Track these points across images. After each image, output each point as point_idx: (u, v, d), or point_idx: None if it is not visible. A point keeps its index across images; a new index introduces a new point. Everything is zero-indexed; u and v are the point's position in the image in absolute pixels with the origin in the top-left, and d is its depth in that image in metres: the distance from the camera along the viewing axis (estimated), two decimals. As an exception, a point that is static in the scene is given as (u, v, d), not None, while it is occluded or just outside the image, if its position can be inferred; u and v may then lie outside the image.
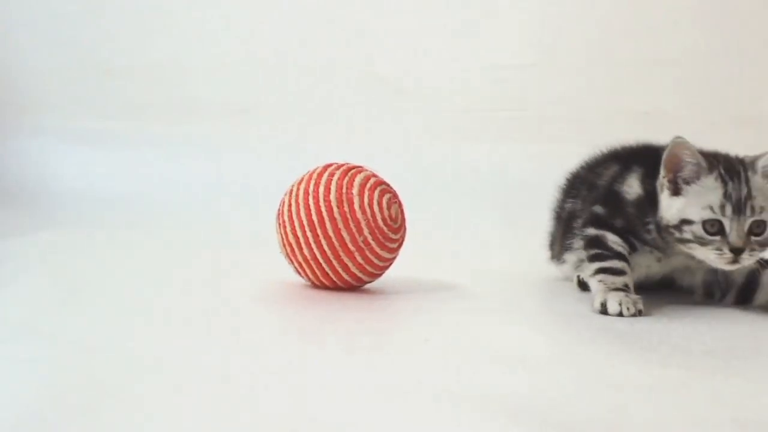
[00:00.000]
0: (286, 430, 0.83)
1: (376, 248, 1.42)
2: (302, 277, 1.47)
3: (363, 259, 1.41)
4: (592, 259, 1.39)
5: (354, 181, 1.43)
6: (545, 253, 1.62)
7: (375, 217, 1.42)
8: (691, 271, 1.44)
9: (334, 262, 1.41)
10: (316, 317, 1.33)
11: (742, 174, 1.30)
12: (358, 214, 1.41)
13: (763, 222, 1.29)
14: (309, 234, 1.41)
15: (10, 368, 1.01)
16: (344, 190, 1.42)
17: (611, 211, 1.40)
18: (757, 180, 1.30)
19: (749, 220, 1.28)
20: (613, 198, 1.41)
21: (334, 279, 1.43)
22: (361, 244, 1.40)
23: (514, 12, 2.60)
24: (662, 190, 1.34)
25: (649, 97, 2.47)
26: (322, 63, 2.69)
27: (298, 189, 1.45)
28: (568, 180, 1.58)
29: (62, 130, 2.80)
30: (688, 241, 1.31)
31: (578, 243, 1.44)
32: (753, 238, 1.28)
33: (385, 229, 1.42)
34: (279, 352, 1.12)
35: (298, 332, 1.28)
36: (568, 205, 1.54)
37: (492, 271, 1.72)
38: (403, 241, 1.48)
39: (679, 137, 1.30)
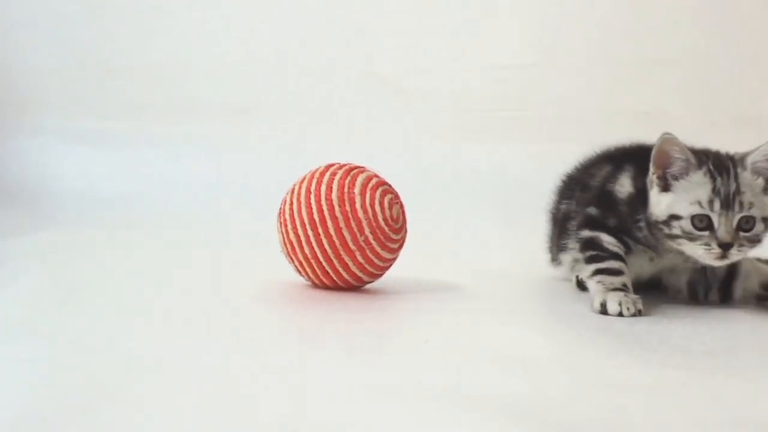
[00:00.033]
0: (286, 430, 0.83)
1: (376, 248, 1.42)
2: (302, 276, 1.47)
3: (363, 258, 1.41)
4: (589, 260, 1.39)
5: (356, 180, 1.43)
6: (546, 255, 1.62)
7: (376, 216, 1.42)
8: (678, 272, 1.44)
9: (335, 261, 1.41)
10: (316, 317, 1.33)
11: (732, 170, 1.30)
12: (360, 213, 1.41)
13: (751, 218, 1.29)
14: (310, 232, 1.41)
15: (10, 368, 1.01)
16: (346, 189, 1.42)
17: (604, 211, 1.40)
18: (746, 176, 1.30)
19: (738, 216, 1.28)
20: (606, 198, 1.41)
21: (334, 278, 1.43)
22: (362, 244, 1.40)
23: (514, 12, 2.60)
24: (652, 187, 1.34)
25: (649, 97, 2.47)
26: (322, 63, 2.69)
27: (300, 188, 1.45)
28: (563, 181, 1.58)
29: (62, 130, 2.80)
30: (677, 236, 1.31)
31: (573, 244, 1.44)
32: (742, 233, 1.29)
33: (386, 228, 1.43)
34: (279, 352, 1.12)
35: (298, 332, 1.28)
36: (563, 207, 1.54)
37: (492, 271, 1.72)
38: (403, 242, 1.48)
39: (667, 133, 1.31)
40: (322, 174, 1.45)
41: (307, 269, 1.44)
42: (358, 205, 1.41)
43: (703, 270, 1.41)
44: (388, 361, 1.10)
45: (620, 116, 2.39)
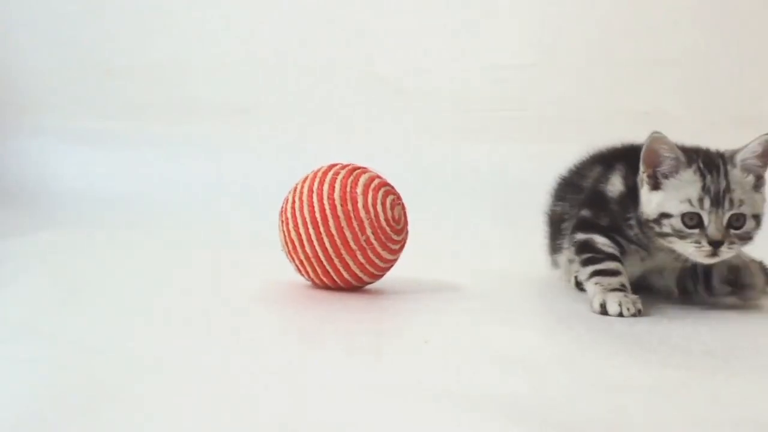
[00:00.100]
0: (286, 430, 0.83)
1: (377, 248, 1.42)
2: (303, 275, 1.47)
3: (364, 258, 1.41)
4: (585, 263, 1.39)
5: (359, 180, 1.43)
6: (546, 257, 1.62)
7: (378, 216, 1.42)
8: (666, 273, 1.44)
9: (335, 260, 1.41)
10: (316, 317, 1.33)
11: (722, 167, 1.30)
12: (362, 213, 1.41)
13: (742, 215, 1.29)
14: (311, 231, 1.41)
15: (10, 368, 1.01)
16: (348, 189, 1.42)
17: (596, 211, 1.40)
18: (736, 173, 1.30)
19: (728, 213, 1.28)
20: (597, 198, 1.41)
21: (335, 278, 1.43)
22: (363, 243, 1.40)
23: (514, 12, 2.60)
24: (642, 185, 1.34)
25: (649, 97, 2.47)
26: (322, 63, 2.69)
27: (302, 187, 1.45)
28: (557, 183, 1.58)
29: (62, 130, 2.80)
30: (667, 234, 1.31)
31: (567, 244, 1.44)
32: (732, 231, 1.28)
33: (387, 229, 1.43)
34: (279, 352, 1.12)
35: (298, 332, 1.28)
36: (557, 209, 1.54)
37: (492, 271, 1.72)
38: (404, 243, 1.48)
39: (656, 132, 1.31)
40: (325, 173, 1.45)
41: (308, 268, 1.44)
42: (360, 205, 1.41)
43: (693, 266, 1.40)
44: (388, 361, 1.10)
45: (620, 116, 2.39)
